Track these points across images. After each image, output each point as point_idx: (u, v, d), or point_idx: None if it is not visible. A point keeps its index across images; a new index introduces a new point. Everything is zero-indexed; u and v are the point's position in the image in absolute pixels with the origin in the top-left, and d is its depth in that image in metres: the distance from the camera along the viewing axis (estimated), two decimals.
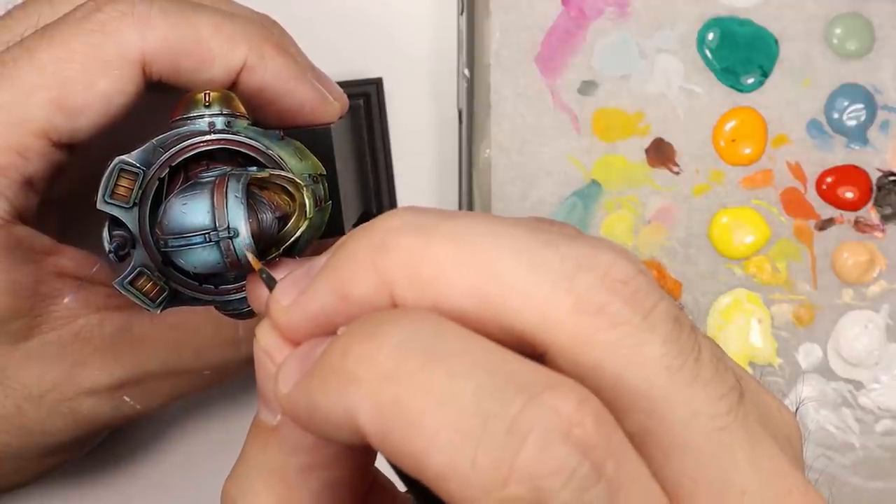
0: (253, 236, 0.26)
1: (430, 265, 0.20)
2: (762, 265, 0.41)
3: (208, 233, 0.26)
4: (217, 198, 0.26)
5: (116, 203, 0.28)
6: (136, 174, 0.28)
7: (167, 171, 0.28)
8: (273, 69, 0.32)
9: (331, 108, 0.33)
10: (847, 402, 0.40)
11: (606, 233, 0.41)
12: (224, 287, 0.29)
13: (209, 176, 0.27)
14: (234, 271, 0.27)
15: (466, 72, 0.41)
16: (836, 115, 0.41)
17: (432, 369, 0.18)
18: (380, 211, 0.43)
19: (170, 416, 0.42)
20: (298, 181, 0.27)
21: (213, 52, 0.31)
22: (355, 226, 0.38)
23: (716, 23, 0.41)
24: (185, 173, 0.28)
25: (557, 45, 0.41)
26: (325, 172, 0.31)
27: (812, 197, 0.41)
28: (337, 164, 0.33)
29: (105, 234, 0.28)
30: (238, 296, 0.29)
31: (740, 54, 0.41)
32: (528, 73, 0.41)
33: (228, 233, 0.26)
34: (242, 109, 0.29)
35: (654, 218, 0.41)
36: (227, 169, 0.28)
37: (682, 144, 0.41)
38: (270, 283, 0.25)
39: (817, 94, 0.41)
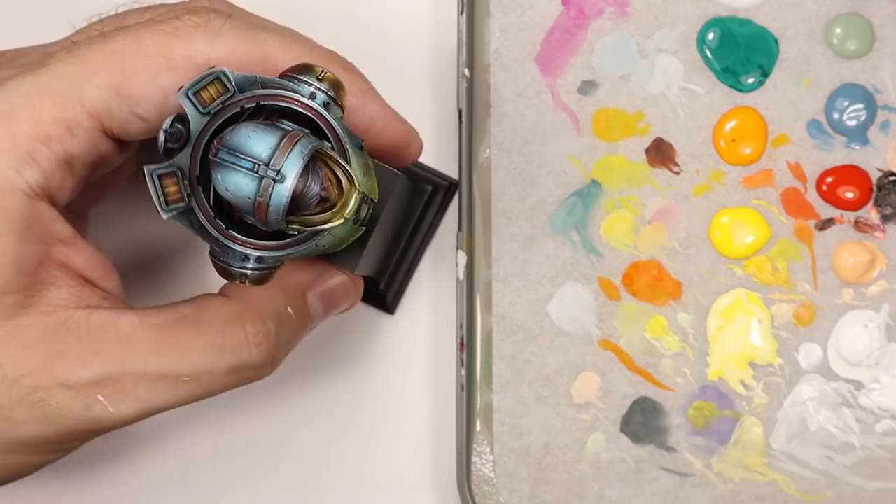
0: (294, 193, 0.27)
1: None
2: (762, 265, 0.41)
3: (260, 165, 0.27)
4: (286, 142, 0.27)
5: (195, 102, 0.28)
6: (228, 89, 0.29)
7: (254, 105, 0.29)
8: None
9: (403, 126, 0.35)
10: (847, 402, 0.40)
11: (606, 233, 0.41)
12: (232, 233, 0.29)
13: (288, 126, 0.28)
14: (254, 216, 0.28)
15: (466, 72, 0.41)
16: (836, 115, 0.41)
17: None
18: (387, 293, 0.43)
19: (163, 419, 0.42)
20: (355, 180, 0.28)
21: (279, 66, 0.32)
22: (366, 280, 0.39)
23: (716, 23, 0.41)
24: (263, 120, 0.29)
25: (557, 45, 0.41)
26: (376, 200, 0.31)
27: (812, 197, 0.41)
28: (386, 209, 0.34)
29: (168, 121, 0.28)
30: (239, 248, 0.29)
31: (740, 54, 0.41)
32: (528, 73, 0.41)
33: (276, 175, 0.27)
34: (343, 104, 0.30)
35: (654, 218, 0.41)
36: (307, 131, 0.28)
37: (682, 144, 0.41)
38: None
39: (817, 94, 0.41)
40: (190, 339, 0.33)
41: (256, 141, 0.27)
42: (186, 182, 0.28)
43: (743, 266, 0.41)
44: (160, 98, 0.32)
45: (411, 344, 0.43)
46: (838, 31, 0.41)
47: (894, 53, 0.41)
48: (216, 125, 0.29)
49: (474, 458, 0.40)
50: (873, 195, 0.41)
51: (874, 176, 0.41)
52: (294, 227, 0.28)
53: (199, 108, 0.28)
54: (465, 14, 0.41)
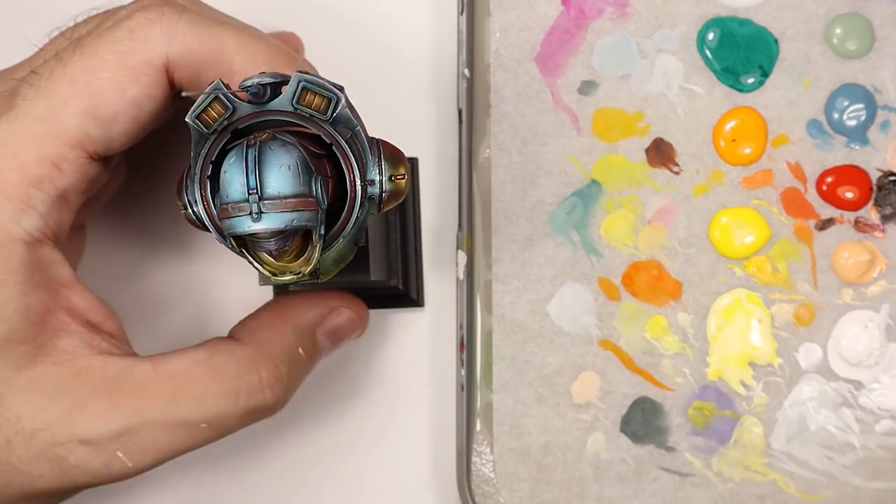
0: (253, 234, 0.27)
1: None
2: (762, 265, 0.41)
3: (258, 192, 0.26)
4: (294, 202, 0.26)
5: (292, 100, 0.28)
6: (319, 120, 0.28)
7: (324, 146, 0.29)
8: None
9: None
10: (847, 402, 0.40)
11: (606, 233, 0.41)
12: (208, 185, 0.29)
13: (316, 189, 0.27)
14: (216, 209, 0.28)
15: (466, 72, 0.41)
16: (836, 115, 0.41)
17: None
18: None
19: None
20: (312, 267, 0.28)
21: (233, 66, 0.32)
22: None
23: (716, 23, 0.41)
24: (327, 161, 0.29)
25: (557, 45, 0.41)
26: (320, 280, 0.30)
27: (812, 197, 0.41)
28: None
29: (267, 76, 0.28)
30: (198, 197, 0.29)
31: (740, 54, 0.41)
32: (528, 73, 0.41)
33: (256, 213, 0.26)
34: (383, 208, 0.30)
35: (654, 218, 0.41)
36: (324, 206, 0.28)
37: (682, 144, 0.41)
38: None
39: (817, 94, 0.41)
40: (206, 386, 0.33)
41: (282, 176, 0.26)
42: (226, 122, 0.28)
43: (743, 266, 0.41)
44: (133, 110, 0.32)
45: (411, 344, 0.43)
46: (838, 31, 0.41)
47: (894, 53, 0.41)
48: (296, 120, 0.28)
49: (474, 458, 0.40)
50: (873, 195, 0.41)
51: (874, 176, 0.41)
52: (232, 245, 0.28)
53: (290, 108, 0.28)
54: (465, 14, 0.41)
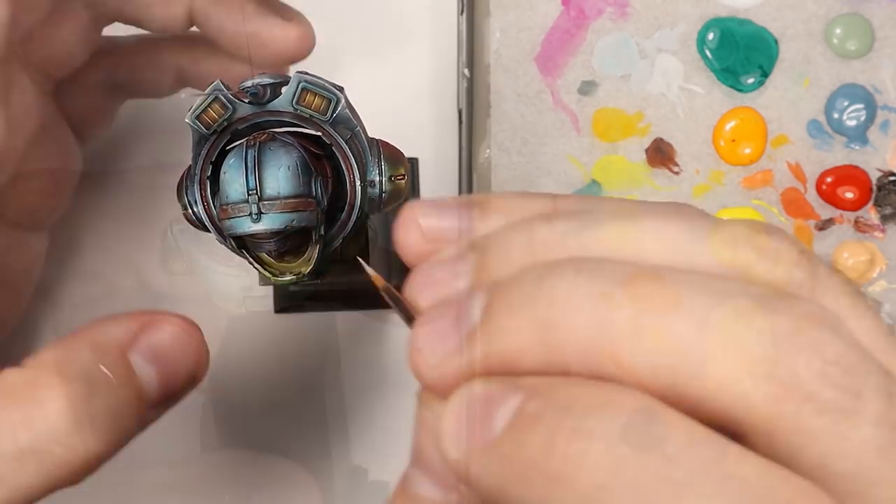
0: (253, 234, 0.27)
1: (609, 342, 0.18)
2: None
3: (258, 193, 0.27)
4: (294, 202, 0.27)
5: (292, 101, 0.28)
6: (319, 120, 0.28)
7: (324, 146, 0.29)
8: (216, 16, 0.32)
9: (286, 31, 0.33)
10: None
11: None
12: (208, 186, 0.29)
13: (316, 189, 0.28)
14: (216, 210, 0.28)
15: (466, 72, 0.41)
16: (836, 115, 0.41)
17: (659, 486, 0.17)
18: None
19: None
20: (304, 273, 0.28)
21: None
22: None
23: (716, 23, 0.41)
24: (327, 162, 0.29)
25: (557, 45, 0.41)
26: (305, 279, 0.30)
27: (812, 197, 0.41)
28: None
29: (268, 77, 0.28)
30: (198, 198, 0.29)
31: (740, 54, 0.41)
32: (528, 73, 0.41)
33: (256, 213, 0.26)
34: (382, 208, 0.30)
35: None
36: (324, 206, 0.28)
37: (682, 144, 0.41)
38: (407, 313, 0.22)
39: (817, 94, 0.41)
40: None
41: (281, 177, 0.27)
42: (225, 122, 0.28)
43: None
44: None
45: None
46: (838, 31, 0.41)
47: (894, 53, 0.41)
48: (296, 121, 0.28)
49: None
50: (873, 195, 0.41)
51: (874, 176, 0.41)
52: (232, 246, 0.28)
53: (288, 110, 0.28)
54: (465, 14, 0.41)
